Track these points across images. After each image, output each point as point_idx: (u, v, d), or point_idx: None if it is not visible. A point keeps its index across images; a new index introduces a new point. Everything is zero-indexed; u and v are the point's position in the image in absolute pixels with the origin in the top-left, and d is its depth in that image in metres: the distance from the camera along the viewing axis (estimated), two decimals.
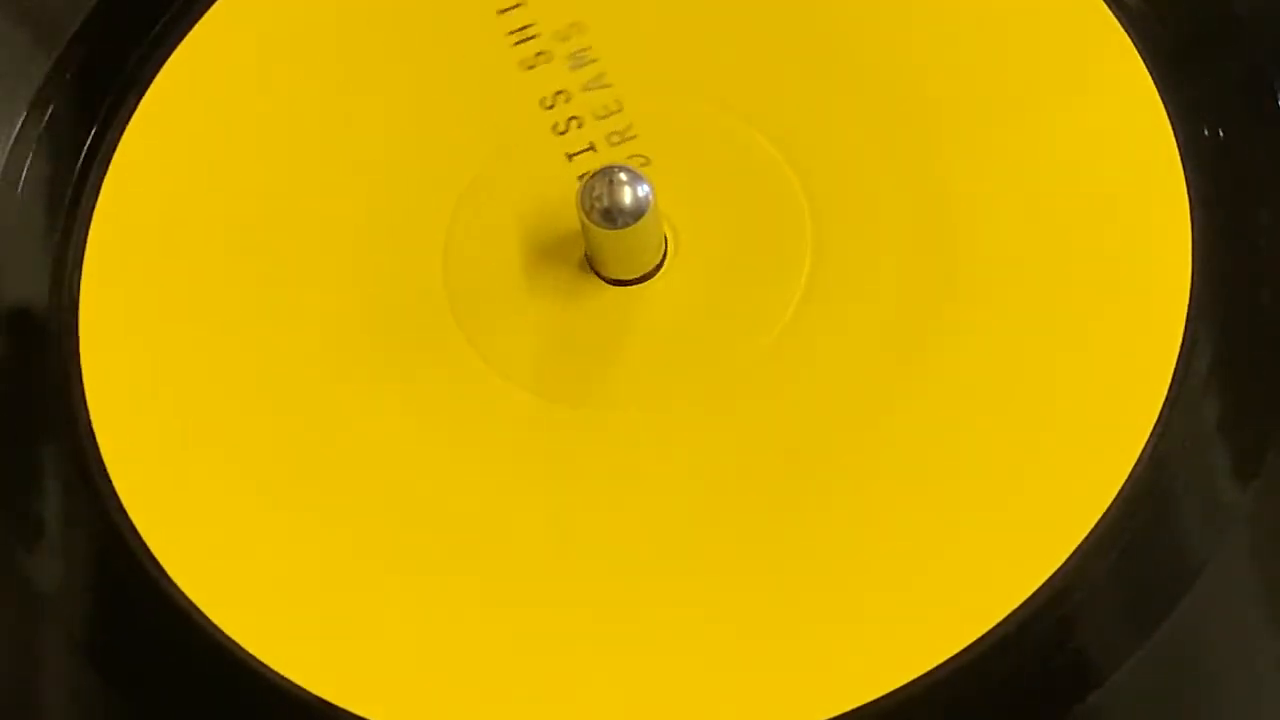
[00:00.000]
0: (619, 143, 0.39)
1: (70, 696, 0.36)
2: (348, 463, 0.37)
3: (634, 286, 0.38)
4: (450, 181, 0.39)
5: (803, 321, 0.37)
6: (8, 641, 0.37)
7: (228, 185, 0.40)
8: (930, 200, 0.38)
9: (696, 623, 0.35)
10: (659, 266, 0.38)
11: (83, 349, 0.38)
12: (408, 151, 0.40)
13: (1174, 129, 0.38)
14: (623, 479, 0.36)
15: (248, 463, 0.37)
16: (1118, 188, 0.38)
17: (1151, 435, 0.35)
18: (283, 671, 0.35)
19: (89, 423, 0.38)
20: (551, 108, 0.39)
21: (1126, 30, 0.39)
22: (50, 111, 0.41)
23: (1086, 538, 0.34)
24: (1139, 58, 0.39)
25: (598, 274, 0.38)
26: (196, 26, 0.42)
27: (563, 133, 0.39)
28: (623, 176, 0.36)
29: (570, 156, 0.39)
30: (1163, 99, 0.38)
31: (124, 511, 0.37)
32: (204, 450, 0.37)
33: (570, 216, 0.37)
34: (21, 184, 0.40)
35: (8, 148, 0.41)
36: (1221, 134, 0.38)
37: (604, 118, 0.39)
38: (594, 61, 0.40)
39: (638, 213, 0.36)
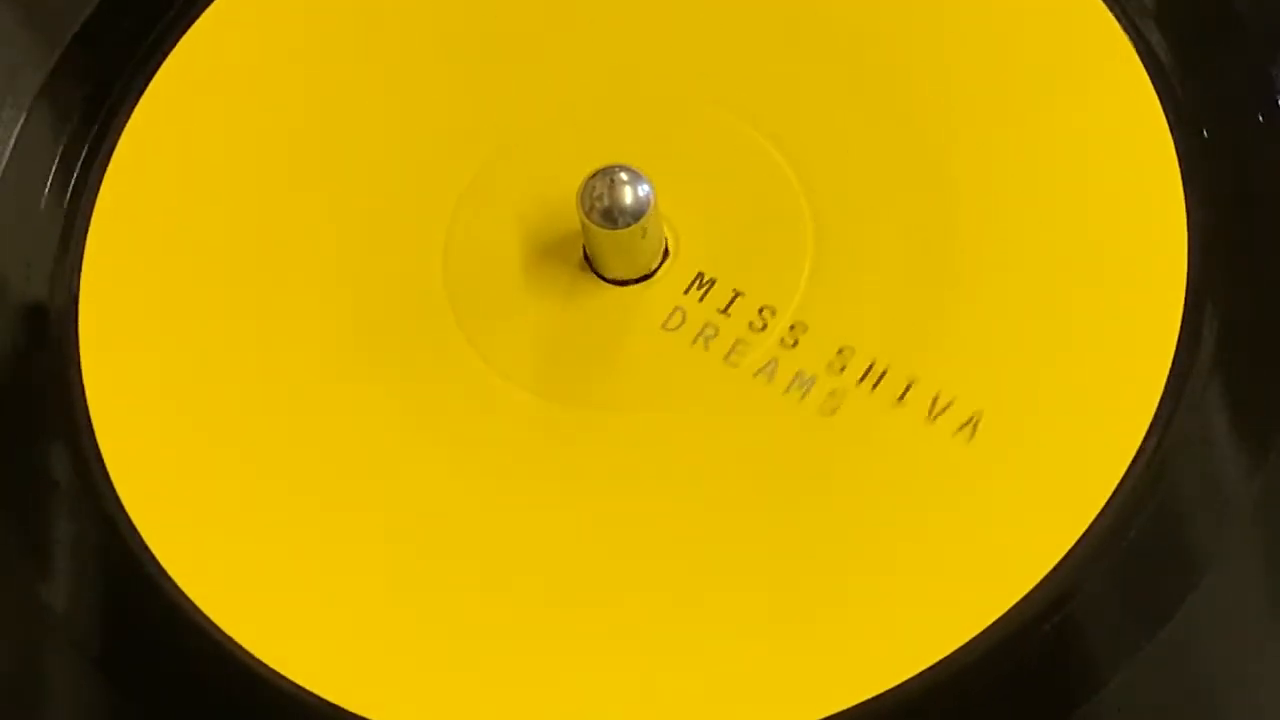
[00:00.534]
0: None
1: (71, 698, 0.36)
2: (348, 462, 0.37)
3: (634, 286, 0.38)
4: (450, 181, 0.39)
5: (803, 321, 0.37)
6: (8, 643, 0.37)
7: (227, 185, 0.40)
8: (930, 200, 0.38)
9: (696, 622, 0.35)
10: (659, 266, 0.38)
11: (83, 349, 0.38)
12: (408, 151, 0.40)
13: (1172, 130, 0.38)
14: (622, 478, 0.36)
15: (248, 463, 0.37)
16: (1116, 188, 0.38)
17: (1150, 433, 0.35)
18: (282, 671, 0.35)
19: (89, 424, 0.38)
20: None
21: (1126, 31, 0.39)
22: (50, 111, 0.41)
23: (1086, 535, 0.34)
24: (1138, 58, 0.39)
25: (598, 274, 0.38)
26: (196, 26, 0.42)
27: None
28: (623, 176, 0.36)
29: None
30: (1161, 100, 0.38)
31: (125, 512, 0.37)
32: (204, 450, 0.37)
33: (570, 216, 0.37)
34: (21, 184, 0.40)
35: (8, 148, 0.41)
36: (1220, 135, 0.38)
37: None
38: None
39: (638, 213, 0.36)
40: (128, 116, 0.41)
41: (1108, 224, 0.37)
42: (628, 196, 0.36)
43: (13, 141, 0.41)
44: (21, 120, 0.41)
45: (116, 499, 0.37)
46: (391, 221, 0.39)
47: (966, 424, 0.36)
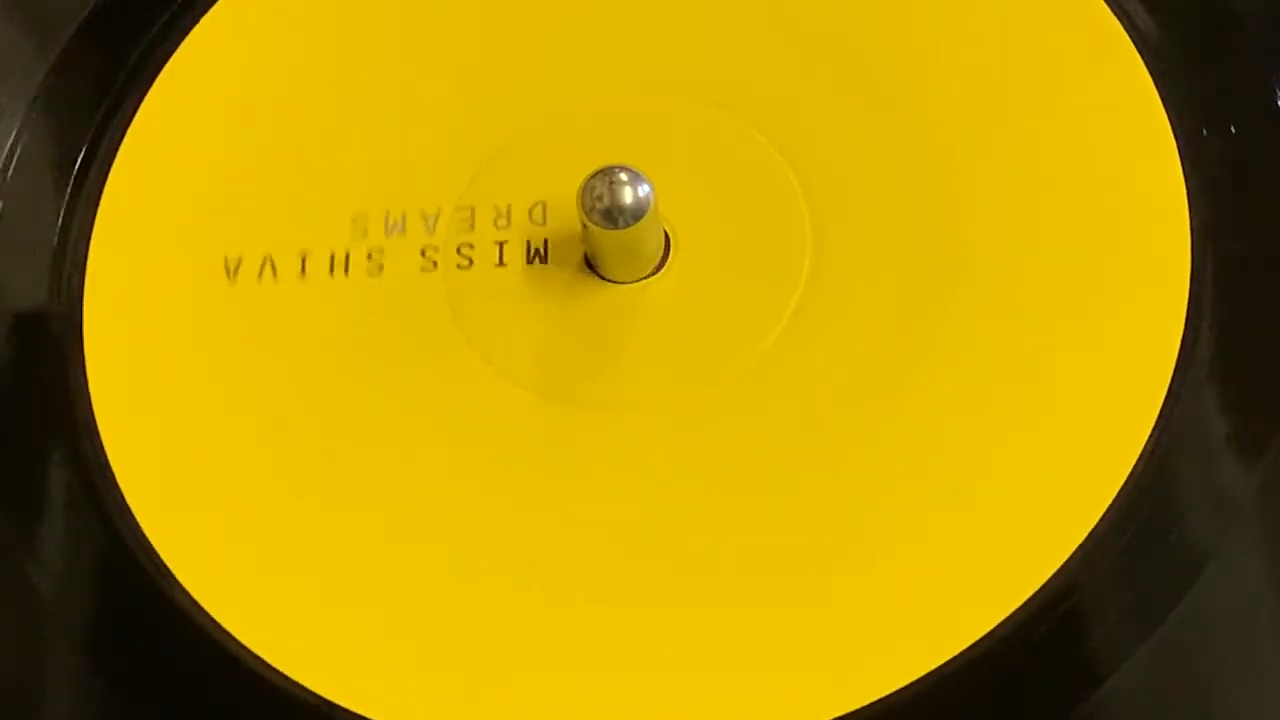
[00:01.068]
0: None
1: (74, 698, 0.36)
2: (349, 463, 0.37)
3: (634, 286, 0.38)
4: (450, 181, 0.39)
5: (802, 321, 0.37)
6: (12, 643, 0.37)
7: (228, 185, 0.40)
8: (930, 199, 0.38)
9: (697, 623, 0.35)
10: (659, 266, 0.38)
11: (86, 350, 0.38)
12: (408, 151, 0.40)
13: (1173, 129, 0.38)
14: (623, 479, 0.36)
15: (250, 463, 0.37)
16: (1117, 187, 0.38)
17: (1153, 432, 0.35)
18: (285, 670, 0.35)
19: (93, 425, 0.38)
20: None
21: (1126, 30, 0.39)
22: (52, 112, 0.41)
23: (1089, 534, 0.34)
24: (1139, 57, 0.39)
25: (598, 274, 0.38)
26: (196, 27, 0.42)
27: None
28: (623, 176, 0.36)
29: None
30: (1162, 99, 0.38)
31: (128, 512, 0.37)
32: (207, 451, 0.37)
33: (570, 216, 0.37)
34: (23, 185, 0.40)
35: (8, 147, 0.41)
36: (1221, 134, 0.38)
37: None
38: None
39: (638, 213, 0.36)
40: (130, 116, 0.41)
41: (1109, 224, 0.37)
42: (628, 196, 0.36)
43: (14, 142, 0.41)
44: (23, 120, 0.41)
45: (120, 499, 0.37)
46: (392, 221, 0.39)
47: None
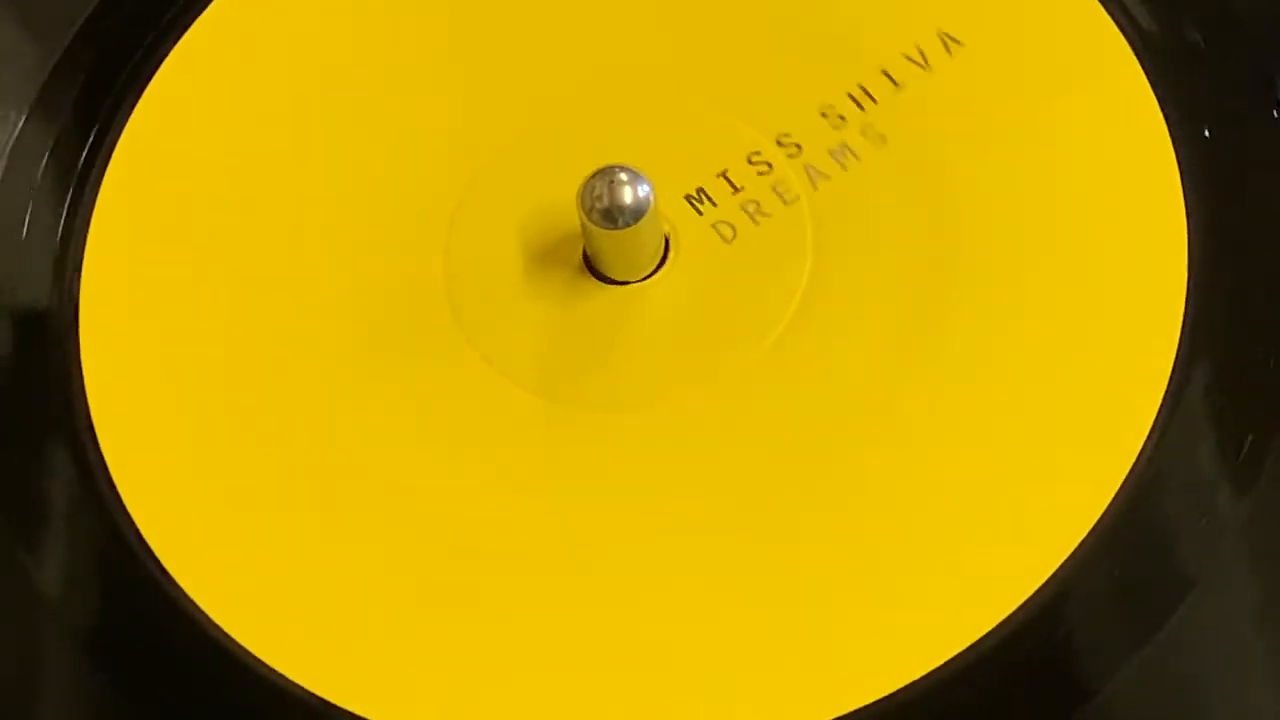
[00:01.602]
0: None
1: (72, 696, 0.36)
2: (348, 462, 0.37)
3: (634, 286, 0.38)
4: (450, 182, 0.39)
5: (803, 322, 0.37)
6: (10, 641, 0.36)
7: (227, 185, 0.40)
8: (930, 202, 0.38)
9: (697, 622, 0.35)
10: (659, 266, 0.38)
11: (83, 348, 0.38)
12: (408, 151, 0.40)
13: (1171, 130, 0.38)
14: (623, 479, 0.36)
15: (248, 462, 0.37)
16: (1115, 189, 0.38)
17: (1147, 442, 0.35)
18: (283, 670, 0.35)
19: (90, 422, 0.38)
20: None
21: (1123, 31, 0.39)
22: (51, 111, 0.41)
23: (1081, 545, 0.34)
24: (1136, 59, 0.39)
25: (598, 274, 0.38)
26: (195, 26, 0.42)
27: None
28: (623, 176, 0.36)
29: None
30: (1160, 100, 0.38)
31: (125, 511, 0.37)
32: (205, 449, 0.37)
33: (570, 216, 0.37)
34: (21, 183, 0.40)
35: (8, 147, 0.41)
36: (1219, 135, 0.38)
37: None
38: None
39: (638, 213, 0.36)
40: (127, 116, 0.41)
41: (1107, 226, 0.37)
42: (628, 196, 0.36)
43: (12, 141, 0.41)
44: (21, 120, 0.41)
45: (117, 499, 0.37)
46: (392, 221, 0.39)
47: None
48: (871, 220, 0.38)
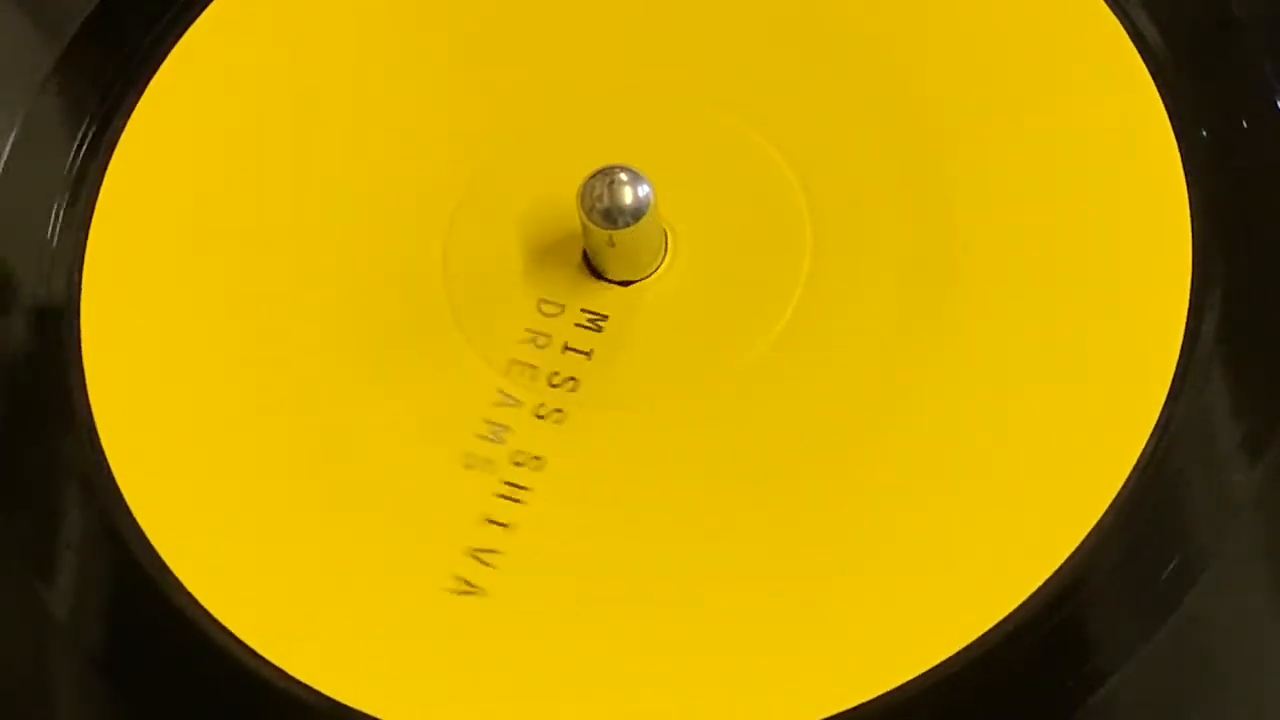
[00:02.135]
0: None
1: (74, 697, 0.36)
2: (348, 461, 0.37)
3: (634, 286, 0.38)
4: (450, 181, 0.39)
5: (802, 321, 0.37)
6: (10, 643, 0.37)
7: (228, 183, 0.40)
8: (930, 200, 0.38)
9: (696, 621, 0.35)
10: (659, 266, 0.38)
11: (84, 348, 0.38)
12: (408, 151, 0.40)
13: (1175, 129, 0.38)
14: (623, 479, 0.36)
15: (250, 462, 0.37)
16: (1118, 188, 0.38)
17: (1155, 430, 0.35)
18: (286, 668, 0.35)
19: (92, 422, 0.38)
20: None
21: (1127, 30, 0.39)
22: (51, 111, 0.41)
23: (1091, 532, 0.34)
24: (1139, 58, 0.39)
25: (598, 274, 0.38)
26: (196, 24, 0.42)
27: None
28: (623, 177, 0.36)
29: None
30: (1163, 99, 0.38)
31: (127, 510, 0.37)
32: (206, 449, 0.37)
33: (570, 216, 0.37)
34: (22, 183, 0.40)
35: (9, 145, 0.41)
36: (1222, 135, 0.38)
37: None
38: None
39: (638, 213, 0.36)
40: (128, 116, 0.41)
41: (1110, 224, 0.37)
42: (628, 196, 0.36)
43: (13, 140, 0.41)
44: (22, 119, 0.41)
45: (119, 497, 0.37)
46: (392, 221, 0.39)
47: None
48: (871, 220, 0.38)
